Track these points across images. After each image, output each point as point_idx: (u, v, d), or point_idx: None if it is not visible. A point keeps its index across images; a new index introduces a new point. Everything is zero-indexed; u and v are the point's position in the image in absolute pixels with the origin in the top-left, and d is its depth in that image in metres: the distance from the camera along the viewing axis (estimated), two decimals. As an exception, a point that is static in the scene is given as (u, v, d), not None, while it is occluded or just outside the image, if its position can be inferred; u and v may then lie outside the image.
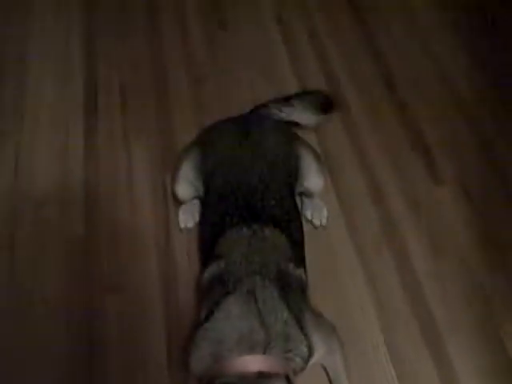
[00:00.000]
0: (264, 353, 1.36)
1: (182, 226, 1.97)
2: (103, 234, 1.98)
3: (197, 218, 1.96)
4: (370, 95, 2.34)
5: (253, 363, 1.34)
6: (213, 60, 2.47)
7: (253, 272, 1.47)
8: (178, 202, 1.99)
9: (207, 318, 1.43)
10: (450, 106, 2.29)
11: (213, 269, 1.55)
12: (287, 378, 1.35)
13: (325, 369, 1.69)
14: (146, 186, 2.09)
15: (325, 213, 1.99)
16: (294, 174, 1.81)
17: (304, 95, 2.10)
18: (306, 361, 1.44)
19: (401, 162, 2.15)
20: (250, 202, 1.64)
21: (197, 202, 1.96)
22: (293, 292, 1.50)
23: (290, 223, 1.67)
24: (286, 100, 2.03)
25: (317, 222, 1.97)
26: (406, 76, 2.40)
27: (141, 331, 1.79)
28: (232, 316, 1.40)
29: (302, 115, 2.04)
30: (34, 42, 2.54)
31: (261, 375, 1.32)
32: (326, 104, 2.08)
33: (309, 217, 1.97)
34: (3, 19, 2.64)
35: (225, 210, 1.64)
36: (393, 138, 2.22)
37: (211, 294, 1.50)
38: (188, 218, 1.98)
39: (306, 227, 1.84)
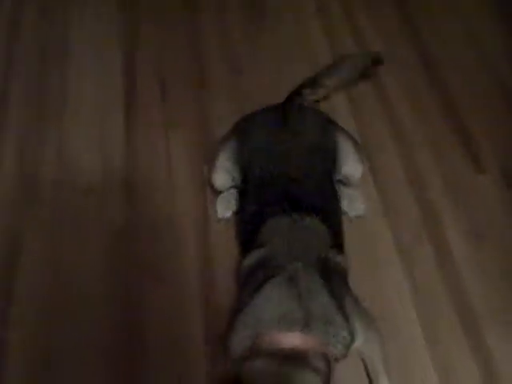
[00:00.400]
0: (302, 331, 1.37)
1: (220, 216, 1.98)
2: (143, 223, 2.01)
3: (234, 207, 1.96)
4: (410, 81, 2.32)
5: (289, 339, 1.35)
6: (252, 50, 2.47)
7: (294, 258, 1.48)
8: (216, 192, 2.01)
9: (247, 303, 1.45)
10: (494, 93, 2.26)
11: (254, 256, 1.56)
12: (325, 358, 1.35)
13: (362, 360, 1.68)
14: (185, 175, 2.11)
15: (361, 204, 1.97)
16: (332, 161, 1.80)
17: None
18: (347, 347, 1.44)
19: (442, 148, 2.13)
20: (290, 190, 1.65)
21: (234, 192, 1.96)
22: (334, 278, 1.51)
23: (330, 211, 1.68)
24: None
25: (352, 213, 1.96)
26: (448, 61, 2.37)
27: (179, 319, 1.81)
28: (272, 299, 1.41)
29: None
30: (76, 33, 2.58)
31: (296, 351, 1.33)
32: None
33: (345, 208, 1.95)
34: (45, 11, 2.69)
35: (264, 199, 1.66)
36: (434, 123, 2.20)
37: (251, 280, 1.51)
38: (225, 208, 1.98)
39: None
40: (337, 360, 1.42)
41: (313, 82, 2.05)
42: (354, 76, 2.18)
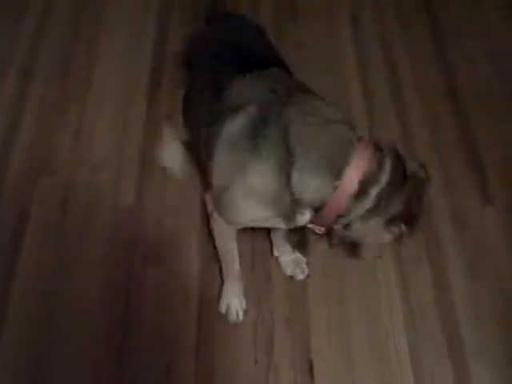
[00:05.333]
0: (359, 138, 1.32)
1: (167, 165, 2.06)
2: (151, 206, 2.04)
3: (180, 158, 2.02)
4: (432, 105, 2.33)
5: (367, 150, 1.29)
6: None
7: (288, 97, 1.37)
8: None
9: (290, 161, 1.28)
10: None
11: (243, 119, 1.37)
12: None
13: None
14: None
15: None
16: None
17: None
18: None
19: (453, 175, 2.14)
20: (243, 55, 1.58)
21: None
22: None
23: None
24: None
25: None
26: (471, 88, 2.37)
27: (174, 308, 1.85)
28: (313, 139, 1.29)
29: None
30: (110, 10, 2.61)
31: (379, 150, 1.30)
32: None
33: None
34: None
35: (219, 69, 1.55)
36: (449, 149, 2.21)
37: (264, 141, 1.32)
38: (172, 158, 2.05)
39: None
40: None
41: None
42: None
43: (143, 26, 2.56)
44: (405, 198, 1.28)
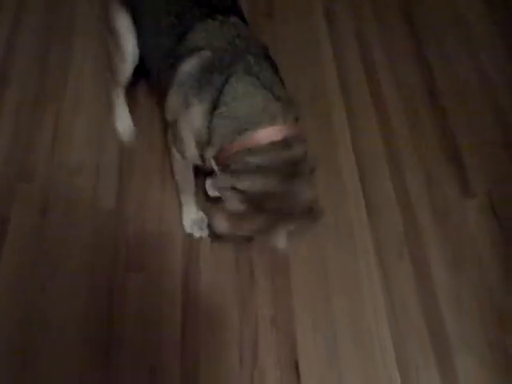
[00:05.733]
0: (284, 122, 1.41)
1: (125, 139, 2.17)
2: (132, 210, 2.03)
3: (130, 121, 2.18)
4: (411, 101, 2.34)
5: (279, 132, 1.39)
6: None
7: (242, 53, 1.47)
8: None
9: (216, 106, 1.43)
10: (490, 120, 2.29)
11: (194, 61, 1.50)
12: (304, 140, 1.43)
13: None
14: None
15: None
16: None
17: None
18: None
19: (433, 170, 2.16)
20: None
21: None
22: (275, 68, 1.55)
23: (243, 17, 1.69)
24: None
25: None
26: (450, 86, 2.39)
27: (158, 310, 1.84)
28: (242, 95, 1.42)
29: None
30: (83, 13, 2.57)
31: (287, 142, 1.39)
32: None
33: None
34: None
35: (180, 11, 1.60)
36: (428, 145, 2.23)
37: (206, 84, 1.47)
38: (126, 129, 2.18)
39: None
40: None
41: None
42: None
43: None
44: (271, 188, 1.36)
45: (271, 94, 1.42)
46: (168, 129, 1.70)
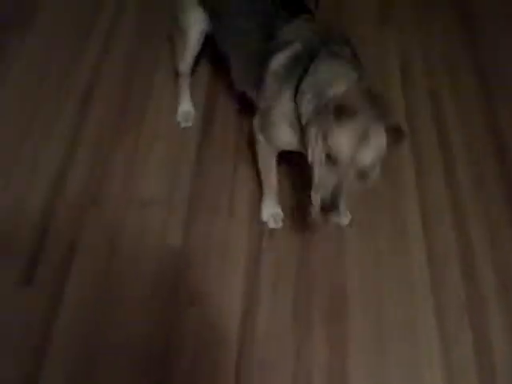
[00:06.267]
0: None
1: (183, 125, 2.40)
2: (198, 246, 2.08)
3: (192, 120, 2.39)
4: (478, 164, 2.35)
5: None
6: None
7: (326, 40, 1.70)
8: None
9: (300, 83, 1.66)
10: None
11: (290, 52, 1.73)
12: None
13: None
14: (247, 207, 2.18)
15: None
16: None
17: None
18: None
19: (498, 236, 2.14)
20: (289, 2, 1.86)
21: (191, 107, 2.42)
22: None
23: None
24: None
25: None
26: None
27: (213, 349, 1.86)
28: (322, 68, 1.64)
29: None
30: (167, 51, 2.69)
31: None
32: None
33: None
34: (141, 26, 2.80)
35: (270, 13, 1.82)
36: (494, 209, 2.22)
37: (296, 70, 1.70)
38: (185, 119, 2.40)
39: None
40: None
41: None
42: None
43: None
44: None
45: (349, 64, 1.65)
46: (256, 118, 1.93)
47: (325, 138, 1.52)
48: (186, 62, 2.27)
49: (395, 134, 1.51)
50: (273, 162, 2.03)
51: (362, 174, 1.53)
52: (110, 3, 2.89)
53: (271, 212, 2.14)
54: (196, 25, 2.12)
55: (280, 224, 2.14)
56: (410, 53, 2.76)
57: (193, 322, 1.91)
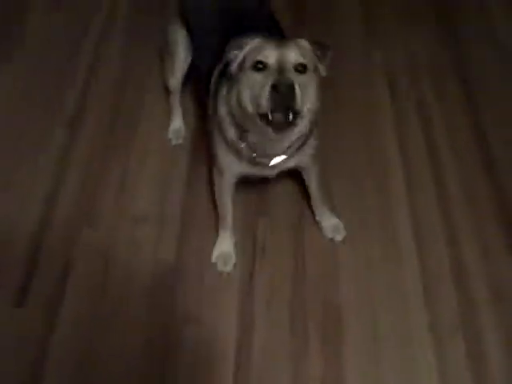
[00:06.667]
0: None
1: (173, 142, 2.42)
2: (192, 262, 2.08)
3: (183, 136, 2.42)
4: (469, 181, 2.37)
5: None
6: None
7: None
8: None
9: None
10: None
11: (220, 66, 1.78)
12: None
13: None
14: (239, 224, 2.17)
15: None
16: None
17: None
18: None
19: (490, 249, 2.15)
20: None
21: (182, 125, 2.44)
22: None
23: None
24: None
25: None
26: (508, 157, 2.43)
27: (210, 365, 1.87)
28: None
29: None
30: (156, 70, 2.70)
31: None
32: None
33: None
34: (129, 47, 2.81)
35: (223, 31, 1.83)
36: (485, 223, 2.23)
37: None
38: (176, 137, 2.41)
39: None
40: None
41: None
42: None
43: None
44: None
45: None
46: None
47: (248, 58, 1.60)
48: (175, 79, 2.28)
49: (317, 44, 1.66)
50: (227, 196, 2.01)
51: (297, 69, 1.55)
52: (98, 22, 2.92)
53: (221, 252, 2.08)
54: (182, 43, 2.15)
55: (229, 268, 2.06)
56: (396, 65, 2.79)
57: (189, 339, 1.91)
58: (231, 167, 1.87)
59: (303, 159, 1.92)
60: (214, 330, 1.94)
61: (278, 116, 1.51)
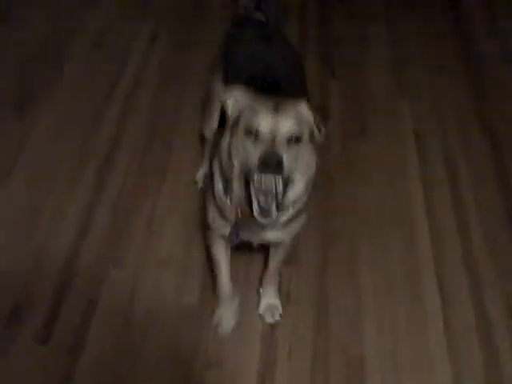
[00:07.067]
0: None
1: (200, 185, 2.40)
2: (214, 306, 2.07)
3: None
4: (492, 223, 2.39)
5: None
6: (346, 162, 2.61)
7: None
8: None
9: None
10: None
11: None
12: None
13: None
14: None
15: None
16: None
17: None
18: None
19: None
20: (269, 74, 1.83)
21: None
22: None
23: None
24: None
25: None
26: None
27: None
28: None
29: None
30: (186, 113, 2.77)
31: None
32: None
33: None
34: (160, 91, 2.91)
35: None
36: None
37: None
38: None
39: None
40: None
41: None
42: None
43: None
44: None
45: None
46: None
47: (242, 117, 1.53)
48: (211, 128, 2.22)
49: (316, 110, 1.57)
50: (221, 255, 1.94)
51: (290, 140, 1.46)
52: (130, 70, 3.00)
53: (221, 315, 2.04)
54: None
55: (227, 330, 2.03)
56: (424, 118, 2.84)
57: (210, 381, 1.91)
58: (218, 226, 1.79)
59: (288, 234, 1.78)
60: (235, 376, 1.93)
61: (260, 217, 1.48)
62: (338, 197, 2.44)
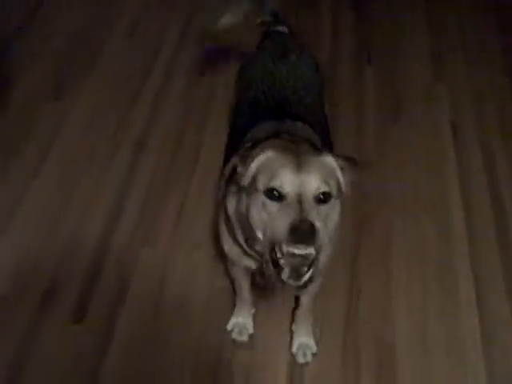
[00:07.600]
0: None
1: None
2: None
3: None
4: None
5: None
6: (380, 149, 2.58)
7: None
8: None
9: None
10: None
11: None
12: None
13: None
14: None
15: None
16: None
17: None
18: None
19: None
20: (283, 106, 1.74)
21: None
22: None
23: (321, 128, 1.78)
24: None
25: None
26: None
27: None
28: None
29: None
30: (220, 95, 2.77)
31: None
32: None
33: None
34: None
35: (256, 111, 1.73)
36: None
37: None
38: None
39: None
40: None
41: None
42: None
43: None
44: None
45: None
46: None
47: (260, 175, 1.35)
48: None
49: (346, 161, 1.41)
50: (240, 276, 1.87)
51: (319, 200, 1.31)
52: (164, 56, 3.02)
53: (237, 322, 2.00)
54: None
55: (244, 337, 1.98)
56: (461, 108, 2.79)
57: (240, 363, 1.92)
58: (237, 258, 1.68)
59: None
60: (264, 365, 1.93)
61: (290, 281, 1.31)
62: (372, 183, 2.40)
